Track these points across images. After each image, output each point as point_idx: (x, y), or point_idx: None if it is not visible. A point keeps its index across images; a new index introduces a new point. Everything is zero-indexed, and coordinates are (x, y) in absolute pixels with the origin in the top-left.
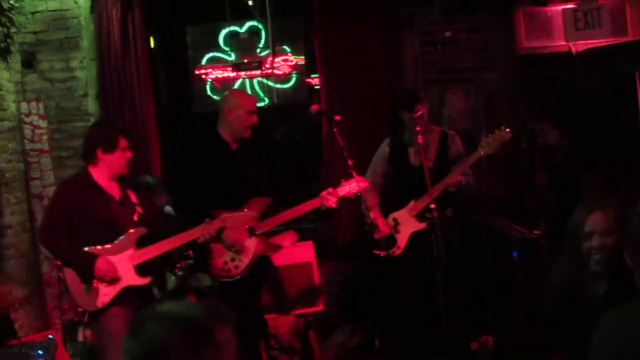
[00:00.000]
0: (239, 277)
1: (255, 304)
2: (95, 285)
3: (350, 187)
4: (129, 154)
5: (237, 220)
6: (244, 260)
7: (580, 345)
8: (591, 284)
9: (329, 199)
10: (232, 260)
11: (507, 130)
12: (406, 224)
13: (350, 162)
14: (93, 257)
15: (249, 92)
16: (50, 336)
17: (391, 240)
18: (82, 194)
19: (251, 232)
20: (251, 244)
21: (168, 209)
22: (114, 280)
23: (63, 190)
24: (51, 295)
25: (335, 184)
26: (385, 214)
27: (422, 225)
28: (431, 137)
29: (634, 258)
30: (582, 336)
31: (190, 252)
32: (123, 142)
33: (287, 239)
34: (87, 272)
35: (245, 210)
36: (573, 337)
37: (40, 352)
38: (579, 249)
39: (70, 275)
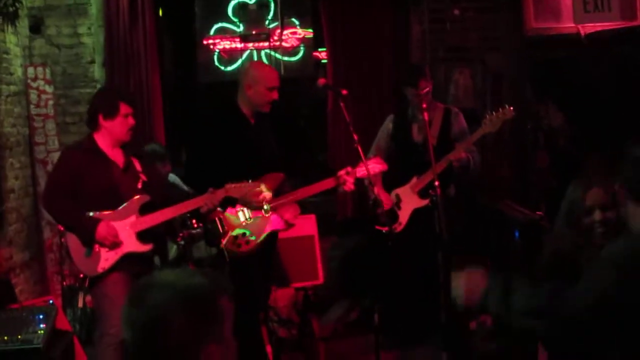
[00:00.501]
0: (250, 252)
1: (262, 278)
2: (96, 250)
3: (368, 168)
4: (131, 121)
5: (241, 190)
6: (258, 236)
7: None
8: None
9: (347, 180)
10: (244, 235)
11: (511, 109)
12: (408, 200)
13: (355, 137)
14: (95, 221)
15: None
16: (50, 301)
17: (393, 216)
18: (86, 160)
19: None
20: (265, 220)
21: (172, 177)
22: (115, 244)
23: (67, 155)
24: (52, 260)
25: (339, 161)
26: (388, 190)
27: (424, 202)
28: (435, 114)
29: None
30: None
31: (194, 221)
32: (125, 109)
33: (289, 212)
34: (88, 236)
35: (251, 182)
36: None
37: (41, 316)
38: (578, 225)
39: (72, 240)
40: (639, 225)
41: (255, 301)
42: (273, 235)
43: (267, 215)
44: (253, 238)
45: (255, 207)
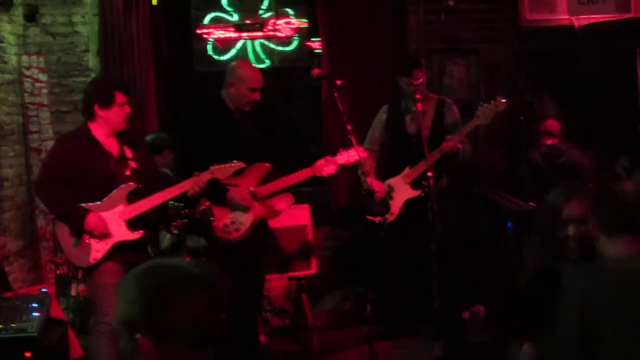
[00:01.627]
0: (239, 240)
1: (254, 267)
2: (86, 240)
3: (349, 155)
4: (127, 110)
5: (226, 170)
6: (245, 224)
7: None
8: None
9: (325, 168)
10: (233, 223)
11: (503, 100)
12: (400, 190)
13: (349, 127)
14: (85, 211)
15: (250, 53)
16: (44, 290)
17: (385, 206)
18: (80, 149)
19: (253, 196)
20: (252, 208)
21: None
22: (104, 235)
23: (61, 144)
24: (46, 249)
25: (334, 152)
26: (381, 180)
27: (416, 193)
28: (428, 105)
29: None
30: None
31: (187, 211)
32: (120, 98)
33: (283, 202)
34: (78, 226)
35: (235, 162)
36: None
37: (35, 305)
38: (554, 234)
39: (61, 231)
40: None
41: (249, 289)
42: (261, 223)
43: (254, 202)
44: (242, 225)
45: (243, 208)
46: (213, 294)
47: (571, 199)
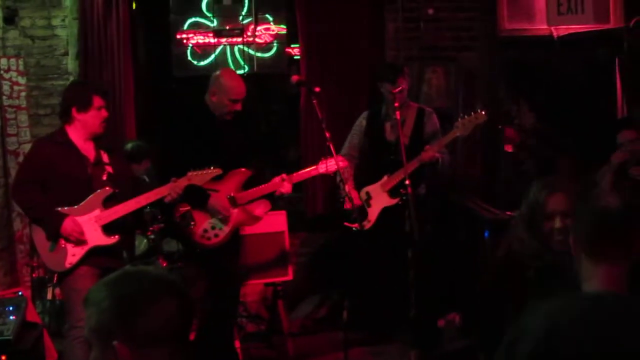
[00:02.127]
0: (217, 245)
1: (230, 272)
2: (62, 245)
3: (328, 165)
4: (104, 114)
5: (203, 177)
6: (225, 229)
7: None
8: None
9: (283, 185)
10: (213, 228)
11: (483, 112)
12: (378, 198)
13: (328, 135)
14: (62, 216)
15: (229, 59)
16: (20, 293)
17: (362, 213)
18: (57, 152)
19: (233, 202)
20: (233, 214)
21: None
22: (80, 241)
23: (38, 147)
24: (22, 252)
25: (312, 158)
26: (359, 187)
27: (394, 201)
28: (408, 113)
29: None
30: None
31: (160, 217)
32: (98, 102)
33: (260, 208)
34: (54, 230)
35: (212, 168)
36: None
37: (11, 308)
38: (538, 228)
39: (38, 235)
40: (585, 279)
41: (225, 294)
42: (238, 229)
43: (234, 208)
44: (221, 231)
45: (223, 215)
46: (185, 298)
47: (555, 192)
